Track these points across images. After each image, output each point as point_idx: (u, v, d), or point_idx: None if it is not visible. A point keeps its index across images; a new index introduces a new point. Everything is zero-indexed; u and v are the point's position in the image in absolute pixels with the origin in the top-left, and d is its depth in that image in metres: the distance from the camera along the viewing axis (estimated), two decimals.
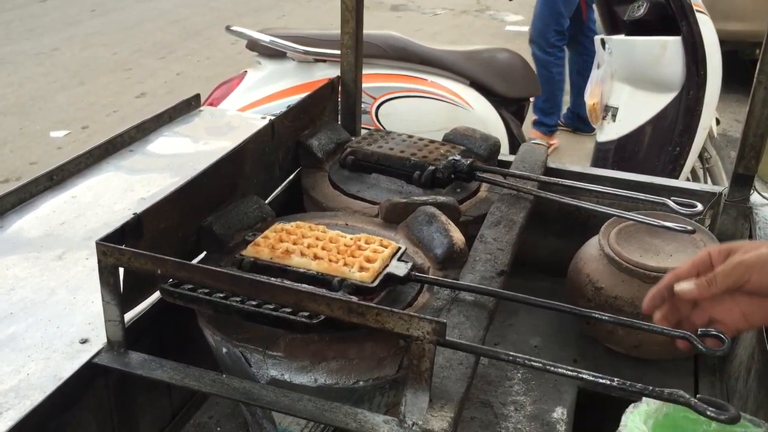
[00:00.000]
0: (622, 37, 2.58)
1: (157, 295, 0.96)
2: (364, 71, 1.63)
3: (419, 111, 2.69)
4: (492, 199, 1.33)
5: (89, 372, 0.89)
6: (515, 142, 2.68)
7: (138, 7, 6.71)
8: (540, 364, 0.80)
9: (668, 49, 2.43)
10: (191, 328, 0.99)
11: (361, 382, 0.90)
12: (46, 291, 1.04)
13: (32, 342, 0.93)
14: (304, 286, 0.87)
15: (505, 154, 1.53)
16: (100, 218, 1.22)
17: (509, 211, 1.26)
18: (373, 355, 0.90)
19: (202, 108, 1.76)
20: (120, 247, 0.86)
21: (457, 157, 1.34)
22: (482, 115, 2.67)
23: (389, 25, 3.52)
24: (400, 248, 1.04)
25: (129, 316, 0.93)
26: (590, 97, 2.68)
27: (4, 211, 1.22)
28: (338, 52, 1.59)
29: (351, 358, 0.89)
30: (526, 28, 6.55)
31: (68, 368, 0.88)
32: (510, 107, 2.78)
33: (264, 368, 0.91)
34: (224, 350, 0.94)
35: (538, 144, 1.66)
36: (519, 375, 1.27)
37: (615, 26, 2.66)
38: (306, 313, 0.83)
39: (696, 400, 0.74)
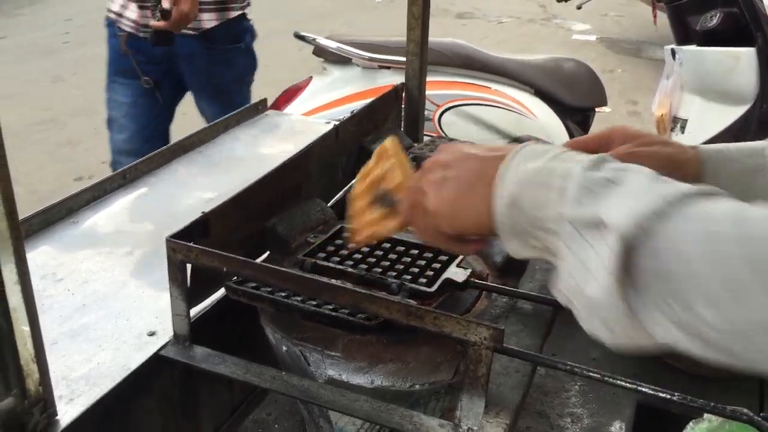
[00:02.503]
0: (693, 47, 2.52)
1: (221, 292, 0.99)
2: (428, 78, 1.64)
3: (482, 119, 2.69)
4: None
5: (156, 364, 0.92)
6: None
7: None
8: (598, 375, 0.79)
9: (742, 60, 2.37)
10: (253, 325, 1.02)
11: (417, 386, 0.91)
12: (117, 284, 1.08)
13: (103, 333, 0.97)
14: (364, 290, 0.88)
15: None
16: (169, 216, 1.27)
17: None
18: (430, 360, 0.90)
19: (268, 112, 1.80)
20: (188, 244, 0.89)
21: None
22: (546, 125, 2.66)
23: (454, 33, 3.53)
24: (458, 254, 1.04)
25: (194, 311, 0.96)
26: (658, 108, 2.64)
27: (79, 207, 1.27)
28: (403, 59, 1.61)
29: (408, 362, 0.90)
30: (593, 38, 6.47)
31: (136, 359, 0.92)
32: (575, 117, 2.75)
33: (322, 368, 0.93)
34: (284, 348, 0.96)
35: None
36: (576, 387, 1.26)
37: (686, 36, 2.61)
38: (365, 315, 0.85)
39: (760, 418, 0.73)
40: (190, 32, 2.25)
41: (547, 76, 2.73)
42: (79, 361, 0.91)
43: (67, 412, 0.82)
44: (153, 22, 2.09)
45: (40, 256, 1.14)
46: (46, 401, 0.78)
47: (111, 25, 2.35)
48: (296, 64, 5.26)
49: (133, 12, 2.25)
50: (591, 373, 0.80)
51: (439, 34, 2.63)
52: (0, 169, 0.68)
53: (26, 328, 0.75)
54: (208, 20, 2.28)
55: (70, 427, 0.80)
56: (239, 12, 2.36)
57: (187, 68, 2.37)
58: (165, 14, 2.06)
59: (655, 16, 3.74)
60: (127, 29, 2.29)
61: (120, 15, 2.29)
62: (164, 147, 1.49)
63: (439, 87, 2.65)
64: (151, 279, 1.08)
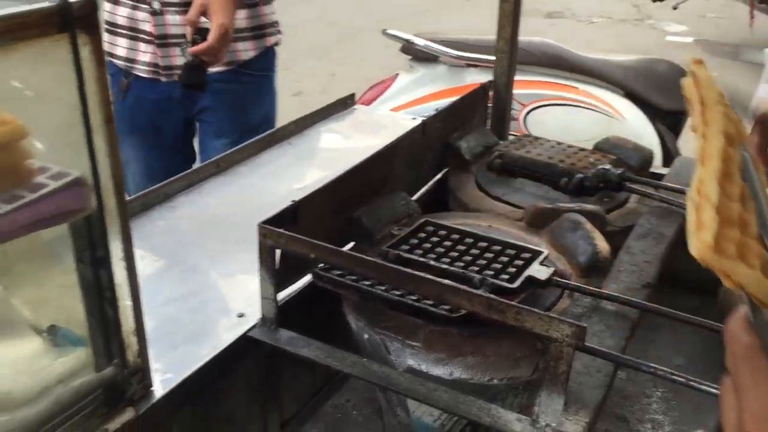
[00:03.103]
0: None
1: (307, 278, 1.03)
2: (515, 77, 1.63)
3: (569, 120, 2.65)
4: (641, 211, 1.30)
5: (244, 344, 0.96)
6: (669, 155, 2.58)
7: (294, 10, 7.02)
8: (683, 379, 0.78)
9: None
10: (336, 313, 1.04)
11: (495, 380, 0.92)
12: (209, 267, 1.13)
13: (195, 312, 1.02)
14: (447, 281, 0.89)
15: (657, 166, 1.49)
16: (259, 204, 1.31)
17: (659, 224, 1.22)
18: (510, 355, 0.91)
19: (355, 107, 1.84)
20: (279, 230, 0.92)
21: (607, 167, 1.32)
22: (636, 127, 2.60)
23: (543, 32, 3.49)
24: (542, 252, 1.04)
25: (281, 295, 1.00)
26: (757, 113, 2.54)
27: (175, 192, 1.33)
28: (490, 57, 1.61)
29: (487, 355, 0.91)
30: (689, 39, 6.25)
31: (226, 339, 0.96)
32: (666, 120, 2.68)
33: (402, 357, 0.95)
34: (366, 336, 0.99)
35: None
36: (659, 393, 1.24)
37: None
38: (447, 307, 0.86)
39: None
40: (223, 68, 1.85)
41: (639, 77, 2.67)
42: (173, 338, 0.96)
43: (161, 384, 0.87)
44: (188, 49, 1.64)
45: (138, 236, 1.20)
46: (143, 372, 0.83)
47: (119, 73, 1.90)
48: (383, 61, 5.30)
49: (146, 53, 1.84)
50: (675, 377, 0.79)
51: (528, 33, 2.61)
52: (111, 155, 0.73)
53: (129, 303, 0.79)
54: (245, 50, 1.89)
55: (164, 398, 0.85)
56: (275, 39, 1.97)
57: (213, 104, 1.89)
58: (197, 41, 1.64)
59: (752, 17, 3.59)
60: (143, 75, 1.87)
61: (132, 60, 1.86)
62: (257, 137, 1.53)
63: (525, 86, 2.63)
64: (242, 263, 1.13)
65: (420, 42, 2.71)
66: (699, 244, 0.49)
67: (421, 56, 2.77)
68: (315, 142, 1.62)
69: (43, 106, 0.75)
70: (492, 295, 0.85)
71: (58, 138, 0.76)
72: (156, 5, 1.78)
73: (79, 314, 0.85)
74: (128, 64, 1.87)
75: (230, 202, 1.33)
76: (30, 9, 0.62)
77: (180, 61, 1.75)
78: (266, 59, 1.96)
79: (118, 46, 1.87)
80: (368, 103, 2.69)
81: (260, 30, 1.92)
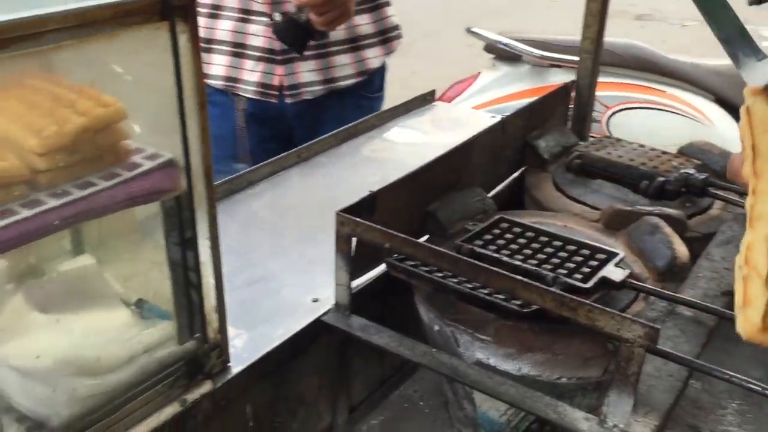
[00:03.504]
0: None
1: (381, 268, 1.05)
2: (600, 79, 1.61)
3: (655, 123, 2.59)
4: (725, 218, 1.26)
5: (317, 328, 0.99)
6: None
7: None
8: (759, 388, 0.77)
9: None
10: (407, 303, 1.06)
11: (564, 379, 0.92)
12: (287, 252, 1.17)
13: (272, 295, 1.06)
14: (519, 276, 0.90)
15: None
16: (337, 194, 1.34)
17: (743, 232, 1.19)
18: (580, 354, 0.91)
19: (435, 103, 1.85)
20: (356, 219, 0.95)
21: (691, 171, 1.29)
22: (724, 133, 2.51)
23: (632, 34, 3.41)
24: (617, 254, 1.03)
25: (355, 283, 1.02)
26: None
27: (258, 179, 1.38)
28: (575, 58, 1.59)
29: (557, 353, 0.91)
30: None
31: (300, 322, 0.99)
32: None
33: (471, 350, 0.96)
34: (435, 328, 1.00)
35: None
36: (734, 405, 1.20)
37: None
38: (518, 302, 0.87)
39: None
40: (354, 80, 1.71)
41: (731, 83, 2.58)
42: (250, 318, 1.00)
43: (237, 361, 0.90)
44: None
45: (222, 219, 1.25)
46: (221, 348, 0.87)
47: (222, 93, 1.70)
48: (465, 59, 5.29)
49: (254, 72, 1.65)
50: (751, 385, 0.77)
51: (616, 35, 2.56)
52: (202, 139, 0.77)
53: (212, 281, 0.83)
54: (374, 57, 1.78)
55: (240, 374, 0.88)
56: (398, 43, 1.86)
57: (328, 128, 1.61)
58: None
59: None
60: (250, 96, 1.69)
61: (234, 80, 1.69)
62: (338, 130, 1.57)
63: (610, 88, 2.58)
64: (318, 250, 1.16)
65: (503, 41, 2.70)
66: (746, 324, 0.42)
67: (504, 55, 2.76)
68: (394, 136, 1.64)
69: (141, 91, 0.80)
70: (564, 293, 0.85)
71: (154, 121, 0.81)
72: (277, 16, 1.58)
73: (165, 290, 0.90)
74: (229, 84, 1.68)
75: (310, 190, 1.37)
76: None
77: (308, 78, 1.63)
78: (381, 76, 1.84)
79: (215, 65, 1.68)
80: (449, 100, 2.69)
81: (385, 34, 1.80)
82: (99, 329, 0.87)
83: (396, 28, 1.83)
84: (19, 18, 0.58)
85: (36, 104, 0.72)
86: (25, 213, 0.67)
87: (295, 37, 1.47)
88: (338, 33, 1.66)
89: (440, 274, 0.94)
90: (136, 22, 0.67)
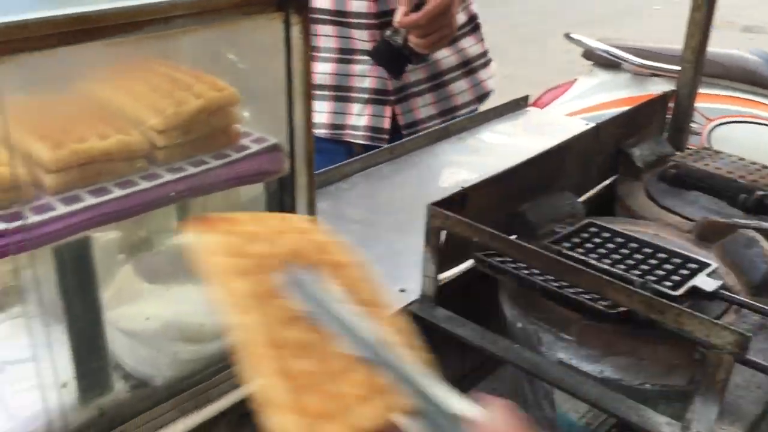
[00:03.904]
0: None
1: (467, 264, 1.07)
2: (703, 90, 1.58)
3: (759, 138, 2.49)
4: None
5: (404, 316, 1.02)
6: None
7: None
8: None
9: None
10: (490, 300, 1.08)
11: (648, 385, 0.91)
12: (377, 242, 1.20)
13: None
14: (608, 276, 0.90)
15: None
16: (427, 190, 1.37)
17: None
18: (665, 360, 0.90)
19: (529, 108, 1.85)
20: (447, 212, 0.97)
21: None
22: None
23: (739, 46, 3.30)
24: (710, 264, 1.01)
25: (442, 276, 1.04)
26: None
27: (352, 172, 1.42)
28: (675, 67, 1.56)
29: (642, 358, 0.91)
30: None
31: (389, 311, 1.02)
32: None
33: (554, 349, 0.96)
34: (519, 325, 1.01)
35: None
36: None
37: None
38: (605, 303, 0.87)
39: None
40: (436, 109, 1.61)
41: None
42: None
43: None
44: (398, 17, 1.32)
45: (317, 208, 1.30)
46: None
47: (327, 141, 1.59)
48: (560, 65, 5.23)
49: (362, 116, 1.55)
50: None
51: (722, 46, 2.49)
52: (306, 126, 0.81)
53: None
54: (460, 93, 1.68)
55: None
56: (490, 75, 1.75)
57: None
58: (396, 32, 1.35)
59: None
60: (360, 141, 1.59)
61: (340, 127, 1.58)
62: (430, 130, 1.59)
63: (713, 100, 2.51)
64: (407, 243, 1.19)
65: (603, 47, 2.66)
66: None
67: (602, 62, 2.72)
68: (486, 138, 1.65)
69: (251, 78, 0.85)
70: (653, 296, 0.85)
71: (261, 107, 0.86)
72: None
73: None
74: (335, 132, 1.57)
75: (400, 186, 1.40)
76: None
77: (426, 112, 1.56)
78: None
79: (316, 112, 1.54)
80: (542, 106, 2.68)
81: (487, 55, 1.72)
82: (200, 301, 0.92)
83: (484, 54, 1.77)
84: (151, 2, 0.63)
85: (157, 86, 0.78)
86: (145, 184, 0.73)
87: (392, 61, 1.37)
88: (450, 59, 1.60)
89: (527, 272, 0.95)
90: (253, 11, 0.72)
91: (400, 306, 1.02)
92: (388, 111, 1.56)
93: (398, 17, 1.31)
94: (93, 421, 0.73)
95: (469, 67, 1.67)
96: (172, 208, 1.00)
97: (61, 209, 0.68)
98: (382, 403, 0.44)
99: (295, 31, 0.75)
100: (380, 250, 1.19)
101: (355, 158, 1.44)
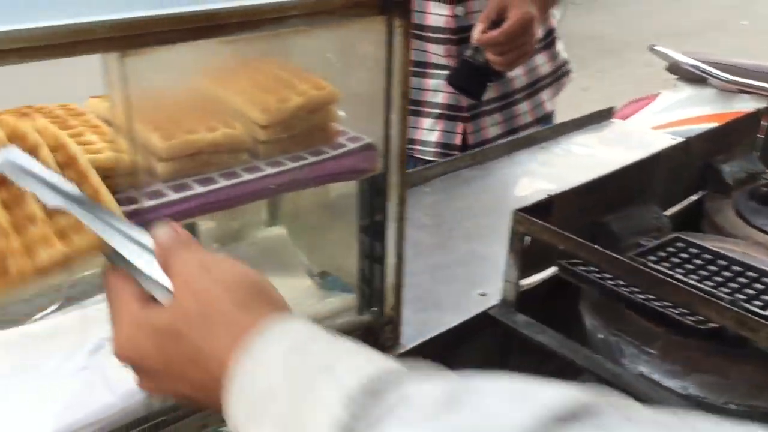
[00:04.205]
0: None
1: (548, 271, 1.07)
2: None
3: None
4: None
5: (483, 320, 1.03)
6: None
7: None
8: None
9: None
10: (570, 309, 1.07)
11: (732, 405, 0.89)
12: (458, 246, 1.21)
13: (443, 285, 1.10)
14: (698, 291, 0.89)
15: None
16: (509, 196, 1.38)
17: None
18: (752, 380, 0.88)
19: (612, 120, 1.83)
20: (532, 219, 0.97)
21: None
22: None
23: None
24: None
25: (523, 282, 1.05)
26: None
27: (433, 176, 1.44)
28: (766, 85, 1.52)
29: (727, 377, 0.89)
30: None
31: (468, 312, 1.03)
32: None
33: (636, 363, 0.95)
34: (600, 336, 1.01)
35: None
36: None
37: None
38: (693, 318, 0.86)
39: None
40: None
41: None
42: (421, 302, 1.05)
43: (407, 340, 0.96)
44: (476, 35, 1.30)
45: None
46: (395, 324, 0.93)
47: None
48: (642, 78, 5.13)
49: (433, 132, 1.54)
50: None
51: None
52: (401, 127, 0.83)
53: (394, 260, 0.89)
54: (548, 100, 1.68)
55: (410, 351, 0.94)
56: (568, 80, 1.74)
57: None
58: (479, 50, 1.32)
59: None
60: (428, 157, 1.57)
61: (411, 141, 1.53)
62: (511, 138, 1.59)
63: None
64: (488, 247, 1.20)
65: (690, 61, 2.61)
66: None
67: (688, 76, 2.66)
68: (568, 149, 1.64)
69: (349, 78, 0.87)
70: (746, 313, 0.83)
71: (358, 106, 0.88)
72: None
73: (348, 265, 0.97)
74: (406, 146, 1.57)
75: (480, 191, 1.40)
76: None
77: (494, 132, 1.52)
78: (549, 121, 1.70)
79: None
80: (623, 118, 2.63)
81: (557, 72, 1.68)
82: (285, 293, 0.95)
83: (566, 63, 1.72)
84: (269, 2, 0.66)
85: (262, 83, 0.82)
86: (247, 176, 0.76)
87: (472, 82, 1.35)
88: (521, 79, 1.58)
89: (612, 282, 0.95)
90: (358, 14, 0.74)
91: (480, 309, 1.03)
92: (460, 128, 1.55)
93: (476, 34, 1.29)
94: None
95: (535, 87, 1.63)
96: (262, 202, 1.04)
97: (171, 196, 0.71)
98: (74, 242, 0.57)
99: (397, 35, 0.77)
100: (460, 253, 1.20)
101: (438, 162, 1.46)
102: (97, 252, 0.56)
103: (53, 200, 0.54)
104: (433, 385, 0.41)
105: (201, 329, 0.49)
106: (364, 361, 0.44)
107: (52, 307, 0.96)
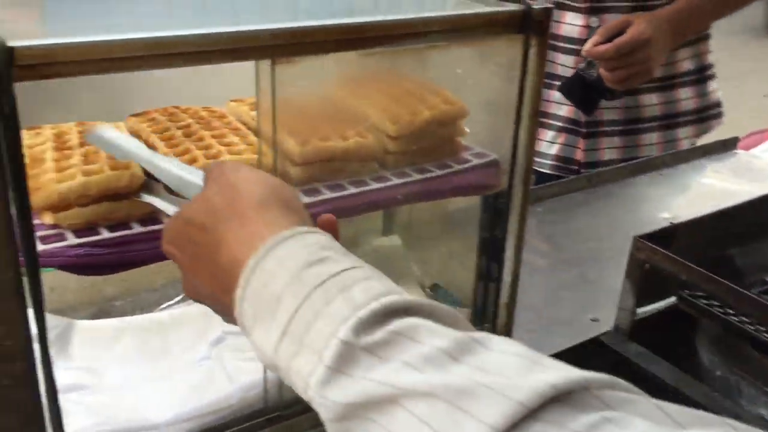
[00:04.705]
0: None
1: (665, 301, 1.04)
2: None
3: None
4: None
5: (593, 346, 1.01)
6: None
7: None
8: None
9: None
10: (686, 342, 1.04)
11: None
12: (571, 268, 1.20)
13: (554, 306, 1.09)
14: None
15: None
16: (623, 222, 1.35)
17: None
18: None
19: (737, 151, 1.76)
20: (654, 246, 0.95)
21: None
22: None
23: None
24: None
25: (638, 310, 1.02)
26: None
27: (546, 197, 1.42)
28: None
29: None
30: None
31: (578, 337, 1.01)
32: None
33: (756, 404, 0.91)
34: (717, 373, 0.97)
35: None
36: None
37: None
38: None
39: None
40: None
41: None
42: (531, 323, 1.04)
43: None
44: (587, 46, 1.31)
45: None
46: None
47: None
48: (757, 108, 4.90)
49: (554, 144, 1.53)
50: None
51: None
52: (528, 145, 0.83)
53: (509, 279, 0.89)
54: (685, 137, 1.61)
55: None
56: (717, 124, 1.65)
57: None
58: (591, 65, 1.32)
59: None
60: (544, 170, 1.56)
61: None
62: (630, 162, 1.56)
63: None
64: (599, 272, 1.18)
65: None
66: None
67: None
68: (688, 177, 1.59)
69: (477, 94, 0.88)
70: None
71: (484, 122, 0.88)
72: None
73: (459, 279, 0.98)
74: None
75: (596, 215, 1.38)
76: (500, 10, 0.74)
77: (610, 155, 1.49)
78: None
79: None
80: (747, 148, 2.52)
81: (704, 111, 1.60)
82: None
83: (718, 104, 1.62)
84: (414, 17, 0.67)
85: (393, 95, 0.84)
86: (375, 185, 0.78)
87: (582, 95, 1.34)
88: (653, 108, 1.52)
89: (736, 318, 0.91)
90: (497, 32, 0.75)
91: (592, 335, 1.01)
92: (581, 143, 1.52)
93: (587, 45, 1.28)
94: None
95: (671, 121, 1.56)
96: (378, 212, 1.06)
97: (303, 199, 0.74)
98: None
99: (533, 54, 0.77)
100: (572, 276, 1.18)
101: (552, 183, 1.44)
102: (115, 185, 0.68)
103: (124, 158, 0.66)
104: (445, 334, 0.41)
105: (224, 223, 0.49)
106: (380, 286, 0.44)
107: (177, 298, 1.02)
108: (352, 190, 0.77)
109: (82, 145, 0.73)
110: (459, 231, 1.00)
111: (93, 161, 0.70)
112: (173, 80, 0.99)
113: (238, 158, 0.73)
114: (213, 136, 0.77)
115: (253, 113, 0.87)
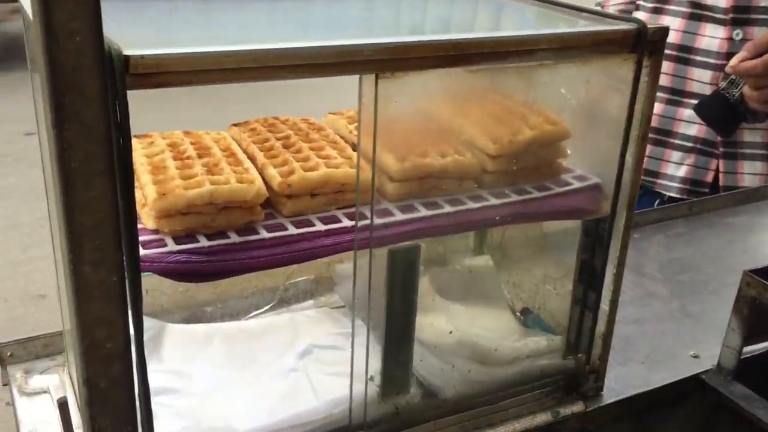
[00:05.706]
0: None
1: None
2: None
3: None
4: None
5: (693, 385, 0.95)
6: None
7: None
8: None
9: None
10: None
11: None
12: (667, 301, 1.14)
13: (652, 339, 1.04)
14: None
15: None
16: (726, 253, 1.27)
17: None
18: None
19: None
20: (765, 282, 0.89)
21: None
22: None
23: None
24: None
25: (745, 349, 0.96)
26: None
27: (645, 223, 1.37)
28: None
29: None
30: None
31: (677, 373, 0.96)
32: None
33: None
34: None
35: None
36: None
37: None
38: None
39: None
40: None
41: None
42: (626, 355, 0.99)
43: (608, 392, 0.91)
44: (733, 61, 1.21)
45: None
46: (599, 373, 0.88)
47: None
48: None
49: (682, 165, 1.44)
50: None
51: None
52: (635, 169, 0.79)
53: (607, 307, 0.85)
54: None
55: (611, 405, 0.89)
56: None
57: None
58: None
59: None
60: (672, 194, 1.47)
61: (653, 174, 1.47)
62: (735, 191, 1.47)
63: None
64: (700, 305, 1.11)
65: None
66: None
67: None
68: (751, 219, 1.49)
69: (582, 115, 0.85)
70: None
71: (587, 144, 0.85)
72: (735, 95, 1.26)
73: (552, 304, 0.94)
74: (645, 179, 1.45)
75: (697, 244, 1.31)
76: (613, 29, 0.71)
77: (750, 181, 1.38)
78: None
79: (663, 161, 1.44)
80: None
81: None
82: (493, 325, 0.94)
83: None
84: (518, 35, 0.65)
85: (494, 113, 0.82)
86: (471, 204, 0.76)
87: (722, 117, 1.25)
88: None
89: None
90: (607, 51, 0.72)
91: (692, 372, 0.96)
92: (714, 164, 1.42)
93: (733, 61, 1.19)
94: (388, 417, 0.77)
95: None
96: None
97: (398, 216, 0.73)
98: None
99: (644, 74, 0.74)
100: (671, 308, 1.13)
101: (651, 209, 1.38)
102: (241, 197, 0.70)
103: None
104: None
105: None
106: None
107: (266, 307, 1.02)
108: (448, 208, 0.75)
109: (200, 156, 0.75)
110: (554, 255, 0.97)
111: (215, 172, 0.72)
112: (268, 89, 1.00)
113: (333, 172, 0.72)
114: (311, 149, 0.77)
115: (351, 126, 0.86)
